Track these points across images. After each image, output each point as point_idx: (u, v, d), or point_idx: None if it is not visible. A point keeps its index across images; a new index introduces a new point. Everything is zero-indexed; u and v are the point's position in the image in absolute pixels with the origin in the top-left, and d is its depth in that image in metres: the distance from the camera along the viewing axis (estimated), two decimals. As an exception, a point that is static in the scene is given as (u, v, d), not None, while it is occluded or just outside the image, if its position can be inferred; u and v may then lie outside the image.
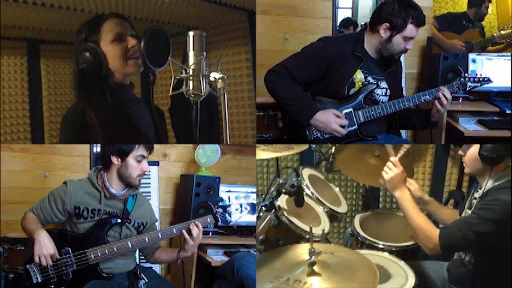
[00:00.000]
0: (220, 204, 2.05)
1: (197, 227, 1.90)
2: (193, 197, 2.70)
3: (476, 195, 1.75)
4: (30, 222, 1.81)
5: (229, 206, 2.01)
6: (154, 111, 1.78)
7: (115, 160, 1.87)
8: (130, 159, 1.86)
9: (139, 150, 1.86)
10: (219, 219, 1.99)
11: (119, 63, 1.65)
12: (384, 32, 2.15)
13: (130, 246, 1.85)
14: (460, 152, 1.80)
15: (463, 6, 3.03)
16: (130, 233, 1.93)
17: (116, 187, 1.90)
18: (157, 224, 2.11)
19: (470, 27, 3.02)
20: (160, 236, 1.91)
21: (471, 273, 1.69)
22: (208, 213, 2.70)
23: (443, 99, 2.13)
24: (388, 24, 2.13)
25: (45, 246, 1.71)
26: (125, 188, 1.93)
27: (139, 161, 1.87)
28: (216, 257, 2.60)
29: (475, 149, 1.71)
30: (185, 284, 2.52)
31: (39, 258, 1.70)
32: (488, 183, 1.69)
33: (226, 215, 2.00)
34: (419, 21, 2.13)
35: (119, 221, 1.88)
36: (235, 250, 2.66)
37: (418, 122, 2.32)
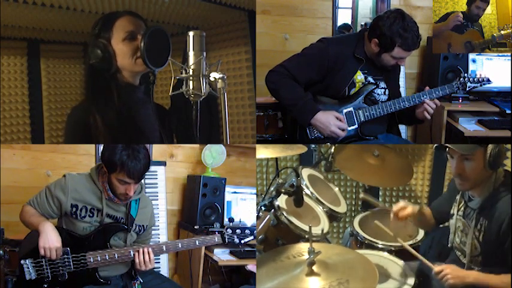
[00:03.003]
0: (231, 224, 2.02)
1: (147, 255, 1.79)
2: (200, 197, 2.72)
3: (472, 205, 1.69)
4: (32, 215, 1.77)
5: (238, 228, 1.98)
6: (157, 111, 1.77)
7: (104, 168, 1.81)
8: (113, 178, 1.77)
9: (120, 175, 1.74)
10: (226, 240, 1.95)
11: (128, 61, 1.65)
12: (374, 46, 2.15)
13: (132, 255, 1.80)
14: (458, 171, 1.65)
15: (462, 6, 3.03)
16: (132, 238, 1.90)
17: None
18: (159, 224, 2.06)
19: (471, 27, 3.02)
20: (164, 249, 1.87)
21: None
22: (214, 214, 2.74)
23: (428, 108, 2.15)
24: (377, 40, 2.12)
25: (51, 239, 1.66)
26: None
27: (121, 184, 1.77)
28: (223, 256, 2.62)
29: (477, 160, 1.60)
30: (192, 283, 2.53)
31: (44, 250, 1.65)
32: (486, 190, 1.64)
33: (235, 237, 1.97)
34: (408, 46, 2.10)
35: (125, 227, 1.84)
36: (241, 250, 2.67)
37: (405, 119, 2.37)
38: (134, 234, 1.91)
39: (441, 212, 1.92)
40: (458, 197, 1.79)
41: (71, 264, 1.72)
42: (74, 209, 1.78)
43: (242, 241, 1.98)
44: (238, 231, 1.98)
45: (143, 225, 1.94)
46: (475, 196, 1.70)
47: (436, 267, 1.62)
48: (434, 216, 1.96)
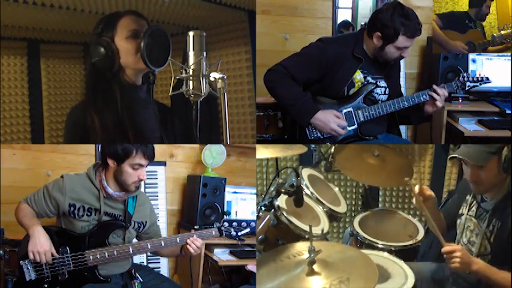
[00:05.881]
0: (227, 218, 2.04)
1: (196, 242, 1.87)
2: (200, 197, 2.73)
3: (485, 206, 1.69)
4: (26, 215, 1.77)
5: (235, 221, 2.00)
6: (159, 110, 1.77)
7: (111, 163, 1.81)
8: (126, 166, 1.79)
9: (136, 159, 1.77)
10: (223, 233, 1.97)
11: (131, 59, 1.64)
12: (376, 41, 2.15)
13: (131, 251, 1.81)
14: (473, 179, 1.66)
15: (463, 6, 3.03)
16: (130, 235, 1.90)
17: (113, 188, 1.84)
18: (159, 223, 2.08)
19: (473, 27, 3.02)
20: (163, 244, 1.88)
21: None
22: (214, 214, 2.74)
23: (435, 96, 2.15)
24: (379, 33, 2.12)
25: (40, 243, 1.66)
26: (122, 190, 1.86)
27: (135, 169, 1.79)
28: (223, 256, 2.62)
29: (491, 168, 1.62)
30: (192, 283, 2.53)
31: (33, 254, 1.65)
32: (500, 193, 1.65)
33: (232, 229, 1.99)
34: (412, 33, 2.10)
35: (123, 224, 1.85)
36: (241, 249, 2.68)
37: (413, 118, 2.35)
38: (133, 232, 1.92)
39: (451, 215, 1.90)
40: (469, 198, 1.78)
41: (71, 263, 1.73)
42: (72, 209, 1.79)
43: (239, 233, 1.99)
44: (234, 224, 1.99)
45: (142, 222, 1.95)
46: (488, 198, 1.69)
47: (446, 246, 1.61)
48: (445, 219, 1.94)
